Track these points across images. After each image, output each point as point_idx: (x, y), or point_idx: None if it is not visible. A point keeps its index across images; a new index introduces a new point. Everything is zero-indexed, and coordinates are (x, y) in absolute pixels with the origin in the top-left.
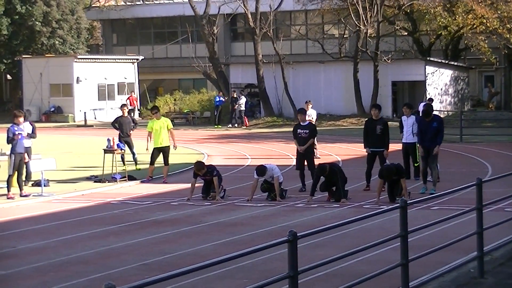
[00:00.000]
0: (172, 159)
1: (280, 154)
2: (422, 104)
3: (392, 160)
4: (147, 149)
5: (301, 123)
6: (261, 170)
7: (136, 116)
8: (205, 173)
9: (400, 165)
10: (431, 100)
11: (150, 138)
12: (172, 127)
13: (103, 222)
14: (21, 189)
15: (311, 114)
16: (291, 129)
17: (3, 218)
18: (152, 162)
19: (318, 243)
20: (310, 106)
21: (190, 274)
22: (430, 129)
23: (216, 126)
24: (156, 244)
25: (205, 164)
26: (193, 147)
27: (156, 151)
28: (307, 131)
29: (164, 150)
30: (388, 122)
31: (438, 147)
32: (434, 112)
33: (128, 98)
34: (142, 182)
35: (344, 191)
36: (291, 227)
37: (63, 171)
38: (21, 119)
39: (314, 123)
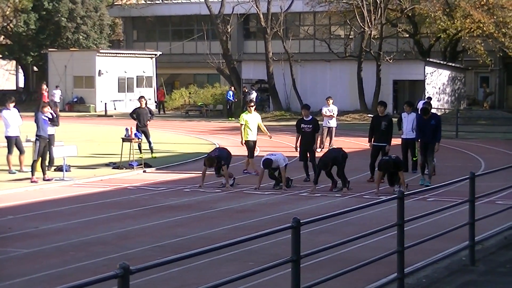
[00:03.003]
0: (185, 149)
1: (286, 145)
2: (421, 102)
3: (392, 154)
4: (242, 143)
5: (305, 118)
6: (267, 163)
7: (153, 108)
8: (217, 163)
9: (398, 158)
10: (429, 98)
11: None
12: (264, 128)
13: (121, 206)
14: (44, 174)
15: (333, 110)
16: None
17: (27, 200)
18: (251, 155)
19: (321, 230)
20: (331, 101)
21: (201, 256)
22: (428, 127)
23: (229, 119)
24: (170, 228)
25: (217, 148)
26: (206, 137)
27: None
28: (311, 126)
29: (253, 144)
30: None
31: (438, 144)
32: (432, 110)
33: (158, 92)
34: (244, 173)
35: (344, 180)
36: (296, 214)
37: (83, 157)
38: (46, 109)
39: (335, 117)
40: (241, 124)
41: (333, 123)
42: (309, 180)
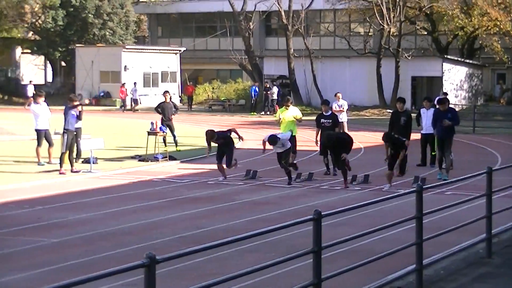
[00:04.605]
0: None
1: (307, 140)
2: (437, 98)
3: (411, 149)
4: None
5: (324, 113)
6: (273, 139)
7: (178, 102)
8: (217, 139)
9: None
10: (445, 94)
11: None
12: (300, 117)
13: (146, 197)
14: (72, 166)
15: (343, 104)
16: None
17: (56, 191)
18: (293, 151)
19: (340, 222)
20: (340, 96)
21: (223, 247)
22: (440, 119)
23: (251, 113)
24: (193, 219)
25: (215, 131)
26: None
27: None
28: (330, 121)
29: (291, 139)
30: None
31: (449, 122)
32: (450, 105)
33: (186, 88)
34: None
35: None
36: (316, 206)
37: (110, 150)
38: (76, 103)
39: (345, 112)
40: (278, 120)
41: (343, 117)
42: (329, 173)
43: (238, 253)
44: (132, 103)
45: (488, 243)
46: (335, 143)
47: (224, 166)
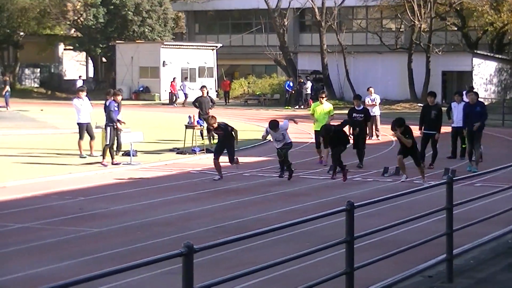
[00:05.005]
0: (244, 136)
1: None
2: (465, 92)
3: (442, 142)
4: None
5: (356, 108)
6: (273, 124)
7: (215, 97)
8: (218, 128)
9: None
10: (471, 88)
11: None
12: (333, 113)
13: (183, 189)
14: (112, 158)
15: (375, 99)
16: None
17: (97, 183)
18: (317, 145)
19: (372, 213)
20: (372, 91)
21: (258, 237)
22: (473, 113)
23: (285, 107)
24: (229, 210)
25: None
26: (264, 125)
27: (317, 134)
28: (362, 115)
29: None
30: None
31: (478, 125)
32: (480, 99)
33: (222, 83)
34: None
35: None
36: (349, 198)
37: (149, 143)
38: (119, 98)
39: (378, 106)
40: (311, 114)
41: (376, 111)
42: (362, 166)
43: (273, 243)
44: (176, 97)
45: None
46: (332, 136)
47: (228, 163)
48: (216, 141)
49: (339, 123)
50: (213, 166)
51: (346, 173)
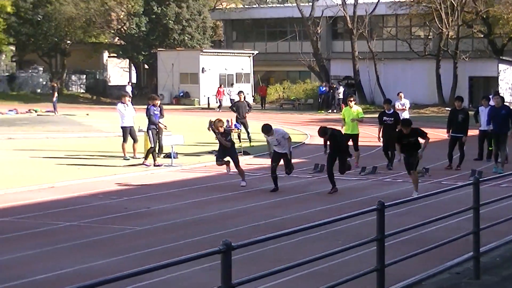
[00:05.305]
0: None
1: (370, 136)
2: (492, 97)
3: (469, 144)
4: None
5: (387, 111)
6: (266, 128)
7: (251, 101)
8: (223, 133)
9: (337, 132)
10: (497, 92)
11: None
12: (363, 116)
13: (222, 189)
14: (154, 160)
15: (405, 103)
16: None
17: (140, 183)
18: (355, 148)
19: (402, 212)
20: (402, 96)
21: (295, 235)
22: (499, 116)
23: (319, 111)
24: (266, 209)
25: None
26: (299, 128)
27: (347, 137)
28: (392, 119)
29: (353, 137)
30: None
31: (511, 132)
32: (505, 103)
33: (259, 88)
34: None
35: (348, 164)
36: (379, 198)
37: (189, 145)
38: (158, 102)
39: (407, 110)
40: (343, 118)
41: (406, 115)
42: (392, 168)
43: (308, 241)
44: (220, 103)
45: None
46: (330, 137)
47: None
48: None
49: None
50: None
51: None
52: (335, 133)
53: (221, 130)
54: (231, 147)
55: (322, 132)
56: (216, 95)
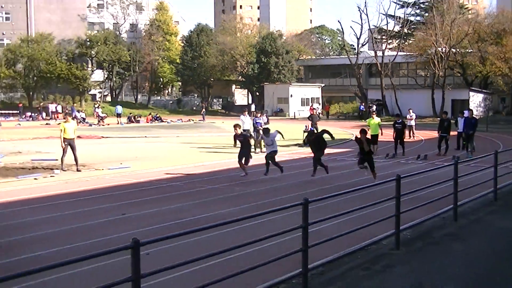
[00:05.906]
0: (337, 136)
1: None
2: (465, 112)
3: (450, 141)
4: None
5: (397, 121)
6: (267, 131)
7: (320, 114)
8: (240, 135)
9: (318, 133)
10: (470, 110)
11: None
12: (381, 123)
13: (297, 170)
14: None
15: (412, 115)
16: None
17: (251, 164)
18: (374, 142)
19: (415, 181)
20: (411, 111)
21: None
22: (470, 123)
23: (361, 120)
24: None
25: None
26: (347, 130)
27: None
28: (400, 125)
29: (374, 136)
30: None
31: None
32: (474, 116)
33: (325, 107)
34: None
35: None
36: (396, 173)
37: (281, 141)
38: (258, 114)
39: (413, 119)
40: (367, 125)
41: (413, 123)
42: (404, 154)
43: (230, 234)
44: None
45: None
46: (314, 139)
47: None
48: (234, 145)
49: (320, 131)
50: (239, 166)
51: (327, 167)
52: (318, 135)
53: (238, 133)
54: (248, 146)
55: (309, 133)
56: (310, 110)
